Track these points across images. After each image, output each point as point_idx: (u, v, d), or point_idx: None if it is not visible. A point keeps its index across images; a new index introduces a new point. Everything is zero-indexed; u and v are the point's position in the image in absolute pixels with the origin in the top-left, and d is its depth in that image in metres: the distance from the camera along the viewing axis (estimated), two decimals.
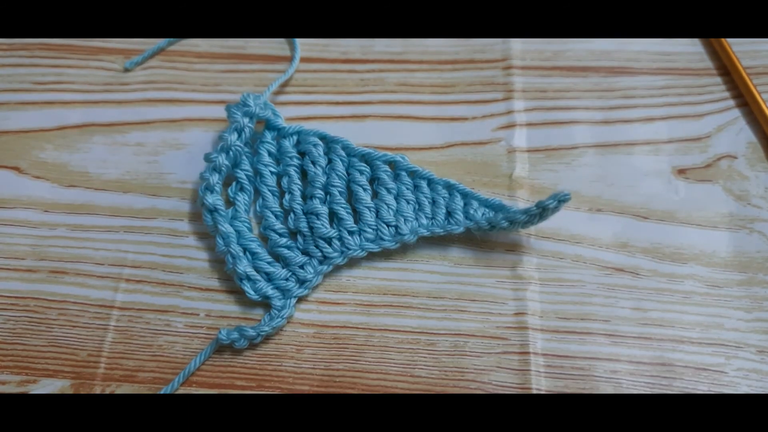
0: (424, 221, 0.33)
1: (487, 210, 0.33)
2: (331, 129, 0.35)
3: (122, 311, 0.32)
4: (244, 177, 0.34)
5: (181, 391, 0.31)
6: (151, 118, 0.37)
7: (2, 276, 0.33)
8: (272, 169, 0.35)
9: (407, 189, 0.34)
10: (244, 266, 0.32)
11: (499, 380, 0.31)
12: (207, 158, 0.34)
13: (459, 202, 0.33)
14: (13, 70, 0.39)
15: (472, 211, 0.33)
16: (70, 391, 0.31)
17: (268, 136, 0.35)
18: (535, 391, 0.30)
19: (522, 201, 0.34)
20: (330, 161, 0.34)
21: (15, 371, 0.31)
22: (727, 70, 0.37)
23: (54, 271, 0.33)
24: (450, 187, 0.34)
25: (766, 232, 0.33)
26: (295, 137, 0.35)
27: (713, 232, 0.34)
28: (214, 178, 0.34)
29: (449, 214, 0.33)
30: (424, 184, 0.34)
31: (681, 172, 0.35)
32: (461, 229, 0.33)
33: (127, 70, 0.38)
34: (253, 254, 0.33)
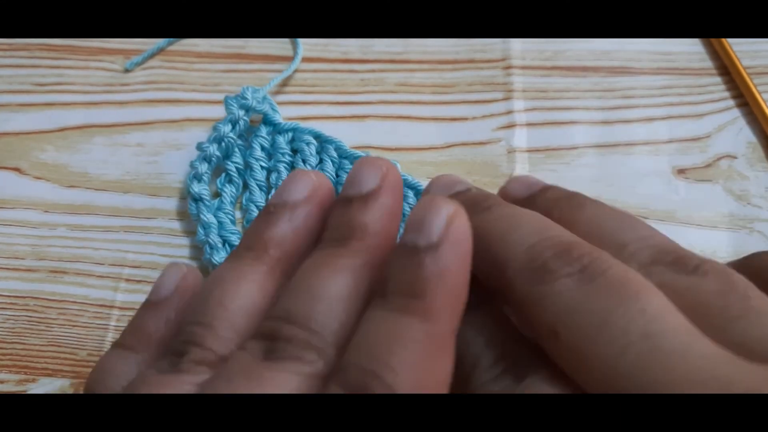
0: None
1: None
2: (331, 129, 0.35)
3: (122, 311, 0.32)
4: (234, 169, 0.34)
5: None
6: (151, 118, 0.37)
7: (2, 275, 0.33)
8: (263, 164, 0.35)
9: None
10: (222, 257, 0.32)
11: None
12: (199, 147, 0.34)
13: None
14: (14, 71, 0.39)
15: None
16: (70, 391, 0.31)
17: (263, 130, 0.35)
18: None
19: None
20: (321, 161, 0.34)
21: (14, 370, 0.31)
22: (727, 70, 0.37)
23: (54, 271, 0.33)
24: None
25: (767, 232, 0.33)
26: (290, 134, 0.35)
27: (713, 232, 0.33)
28: (203, 167, 0.34)
29: None
30: (410, 194, 0.33)
31: (681, 172, 0.35)
32: None
33: (127, 70, 0.38)
34: (233, 246, 0.32)
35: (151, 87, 0.38)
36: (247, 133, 0.35)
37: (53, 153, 0.36)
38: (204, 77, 0.38)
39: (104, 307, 0.32)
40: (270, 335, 0.21)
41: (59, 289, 0.33)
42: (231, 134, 0.34)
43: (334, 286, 0.21)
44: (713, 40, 0.38)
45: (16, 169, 0.36)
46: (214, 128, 0.34)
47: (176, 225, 0.34)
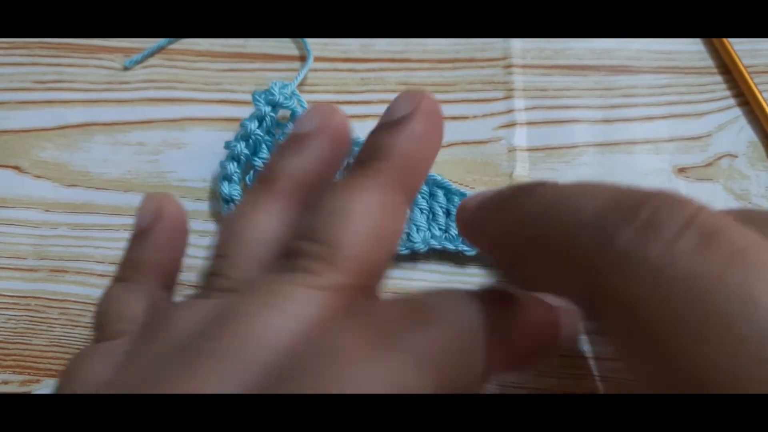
0: (437, 233, 0.33)
1: None
2: None
3: None
4: (262, 165, 0.34)
5: None
6: (151, 117, 0.37)
7: (4, 275, 0.33)
8: None
9: (422, 197, 0.33)
10: None
11: (499, 380, 0.31)
12: (227, 145, 0.34)
13: None
14: (14, 69, 0.39)
15: None
16: None
17: (290, 128, 0.35)
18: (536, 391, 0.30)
19: None
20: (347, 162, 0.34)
21: (18, 371, 0.31)
22: (728, 69, 0.37)
23: (55, 270, 0.33)
24: None
25: None
26: None
27: None
28: (232, 167, 0.34)
29: None
30: (440, 193, 0.33)
31: (681, 170, 0.35)
32: (472, 253, 0.32)
33: (126, 68, 0.38)
34: None
35: (151, 86, 0.38)
36: (275, 129, 0.35)
37: (53, 151, 0.36)
38: (204, 76, 0.38)
39: None
40: (289, 253, 0.22)
41: (60, 288, 0.33)
42: (258, 131, 0.34)
43: (355, 203, 0.21)
44: (714, 39, 0.38)
45: (16, 168, 0.36)
46: (241, 125, 0.34)
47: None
